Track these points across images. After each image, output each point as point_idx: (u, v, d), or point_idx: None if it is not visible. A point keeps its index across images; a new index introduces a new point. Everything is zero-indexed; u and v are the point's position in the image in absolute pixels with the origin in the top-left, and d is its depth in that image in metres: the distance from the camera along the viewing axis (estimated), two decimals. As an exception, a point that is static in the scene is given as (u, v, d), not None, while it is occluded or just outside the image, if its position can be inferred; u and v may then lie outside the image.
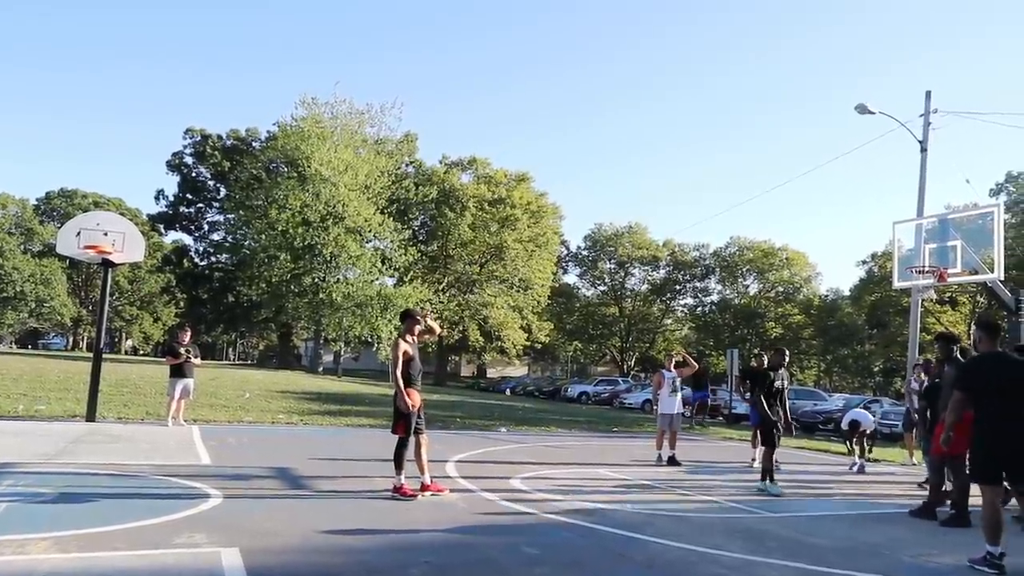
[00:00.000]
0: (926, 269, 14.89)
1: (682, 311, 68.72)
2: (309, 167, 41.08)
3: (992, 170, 79.45)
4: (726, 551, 5.99)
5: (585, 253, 67.86)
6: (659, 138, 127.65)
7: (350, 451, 11.02)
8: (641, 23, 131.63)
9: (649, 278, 66.91)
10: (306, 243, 41.74)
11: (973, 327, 6.77)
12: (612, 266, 67.00)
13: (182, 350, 12.88)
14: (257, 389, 22.35)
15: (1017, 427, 5.94)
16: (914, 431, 12.98)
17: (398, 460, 7.55)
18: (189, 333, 13.61)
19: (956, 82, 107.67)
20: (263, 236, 42.09)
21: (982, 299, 41.86)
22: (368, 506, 7.06)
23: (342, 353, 49.05)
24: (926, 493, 9.69)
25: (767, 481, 9.45)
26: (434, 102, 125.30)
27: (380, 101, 57.85)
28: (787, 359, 10.31)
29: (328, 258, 42.56)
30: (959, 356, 8.50)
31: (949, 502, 8.25)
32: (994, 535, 5.85)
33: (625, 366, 64.86)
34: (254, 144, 54.91)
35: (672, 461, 11.73)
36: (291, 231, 41.02)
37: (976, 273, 14.62)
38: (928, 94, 19.03)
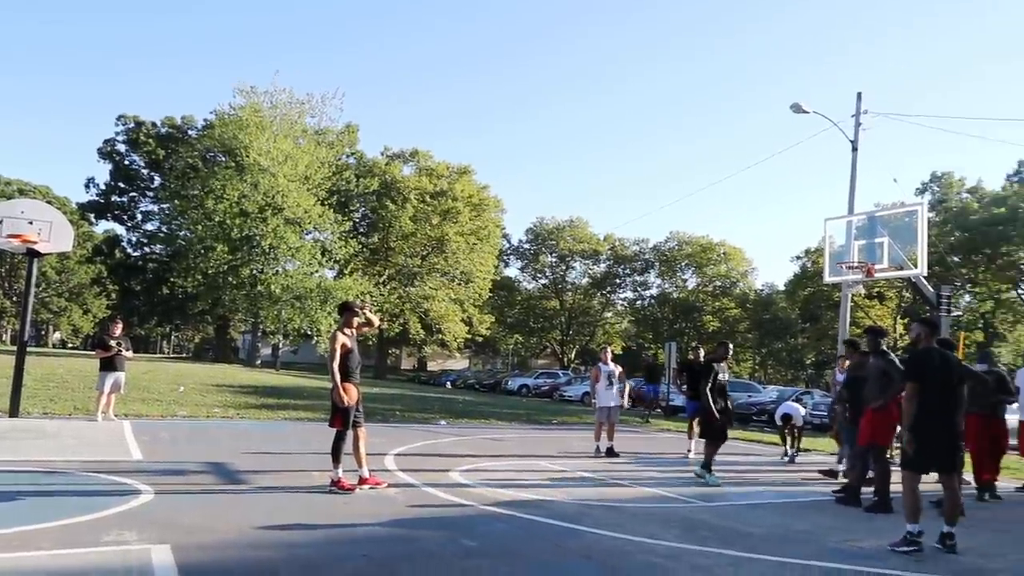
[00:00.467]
0: (855, 264, 15.41)
1: (622, 304, 69.56)
2: (247, 157, 40.26)
3: (919, 170, 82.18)
4: (661, 540, 6.11)
5: (527, 247, 68.09)
6: (600, 134, 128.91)
7: (288, 445, 10.89)
8: (583, 19, 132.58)
9: (590, 272, 67.51)
10: (244, 234, 40.92)
11: (914, 323, 7.05)
12: (553, 260, 67.38)
13: (113, 343, 12.54)
14: (192, 383, 21.86)
15: (950, 420, 6.28)
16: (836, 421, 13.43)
17: (336, 454, 7.49)
18: (121, 325, 13.25)
19: (887, 84, 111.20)
20: (199, 227, 41.08)
21: (908, 294, 43.34)
22: (305, 500, 6.99)
23: (281, 346, 48.26)
24: (835, 481, 10.06)
25: (708, 472, 9.63)
26: (376, 94, 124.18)
27: (321, 91, 56.69)
28: (730, 352, 10.48)
29: (267, 250, 41.79)
30: (884, 349, 8.80)
31: (872, 488, 8.55)
32: (914, 516, 6.19)
33: (565, 359, 65.36)
34: (190, 132, 53.47)
35: (610, 452, 11.87)
36: (228, 222, 40.15)
37: (901, 269, 15.18)
38: (859, 95, 19.60)
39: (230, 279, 42.18)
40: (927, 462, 6.32)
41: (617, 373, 12.39)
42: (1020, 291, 47.01)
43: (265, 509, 6.46)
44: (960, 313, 44.07)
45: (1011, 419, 10.44)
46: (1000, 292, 46.51)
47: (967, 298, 46.90)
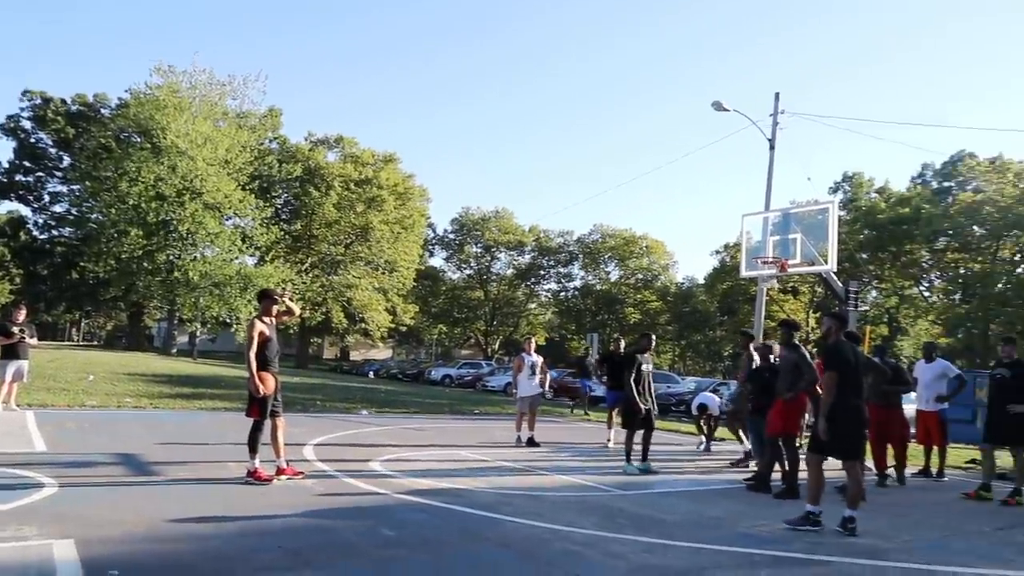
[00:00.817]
0: (770, 259, 15.90)
1: (546, 296, 70.19)
2: (165, 138, 38.92)
3: (834, 169, 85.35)
4: (579, 528, 6.21)
5: (452, 237, 67.97)
6: (526, 125, 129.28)
7: (203, 435, 10.62)
8: (508, 9, 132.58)
9: (514, 263, 67.85)
10: (160, 218, 39.59)
11: (825, 318, 7.44)
12: (478, 250, 67.45)
13: (16, 329, 11.98)
14: (103, 371, 21.08)
15: (859, 409, 6.76)
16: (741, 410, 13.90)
17: (252, 444, 7.35)
18: (24, 311, 12.65)
19: (808, 83, 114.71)
20: (112, 210, 39.50)
21: (819, 289, 44.98)
22: (220, 492, 6.85)
23: (198, 334, 46.97)
24: (747, 469, 10.41)
25: (628, 462, 9.76)
26: (301, 79, 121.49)
27: (243, 73, 55.17)
28: (652, 344, 10.63)
29: (184, 235, 40.54)
30: (796, 342, 9.12)
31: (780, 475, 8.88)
32: (816, 497, 6.62)
33: (489, 349, 65.59)
34: (103, 111, 51.32)
35: (531, 443, 11.93)
36: (144, 205, 38.75)
37: (813, 264, 15.74)
38: (777, 96, 20.22)
39: (145, 264, 40.84)
40: (836, 447, 6.70)
41: (540, 364, 12.42)
42: (922, 287, 49.44)
43: (177, 501, 6.30)
44: (867, 308, 46.12)
45: (909, 408, 10.93)
46: (904, 288, 48.85)
47: (874, 294, 49.13)
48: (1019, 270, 43.10)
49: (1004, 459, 10.76)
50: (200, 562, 4.67)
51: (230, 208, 42.21)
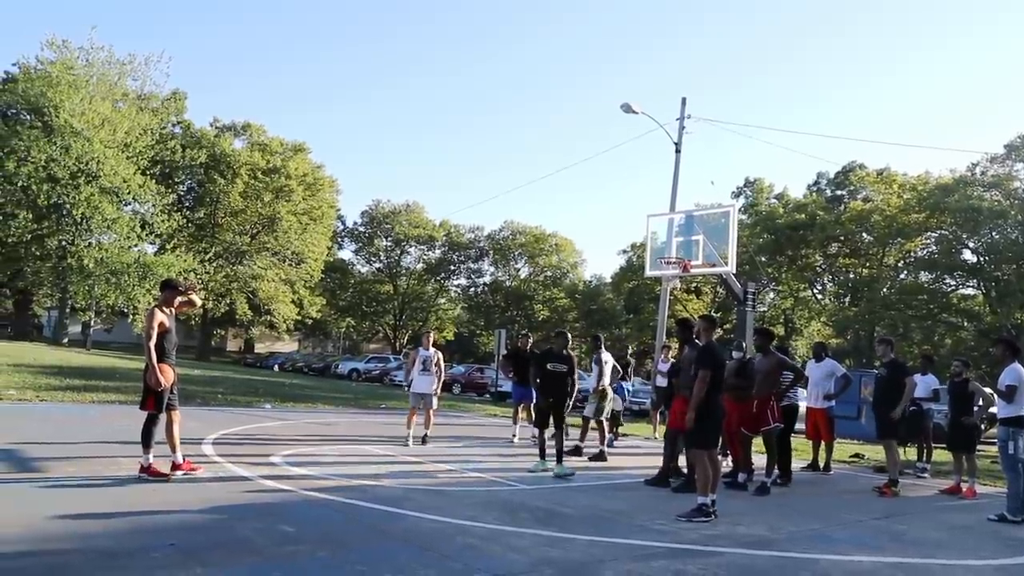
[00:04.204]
0: (674, 260, 16.35)
1: (456, 291, 70.10)
2: (57, 117, 36.91)
3: (738, 174, 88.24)
4: (480, 522, 6.27)
5: (361, 229, 67.10)
6: (439, 118, 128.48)
7: (94, 430, 10.20)
8: (420, 1, 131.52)
9: (425, 257, 67.50)
10: (52, 202, 37.52)
11: (698, 319, 7.90)
12: (388, 244, 66.80)
13: None
14: (-17, 362, 19.94)
15: (720, 405, 7.46)
16: (659, 408, 14.28)
17: (146, 438, 7.11)
18: None
19: (715, 92, 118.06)
20: (-2, 190, 37.33)
21: (721, 290, 46.53)
22: (111, 489, 6.60)
23: (93, 324, 44.88)
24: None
25: (542, 460, 9.72)
26: (209, 65, 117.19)
27: (145, 52, 52.90)
28: (568, 341, 10.17)
29: (79, 220, 38.61)
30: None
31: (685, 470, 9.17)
32: (709, 488, 7.05)
33: (398, 344, 65.09)
34: (-12, 85, 48.38)
35: (423, 442, 11.41)
36: (34, 188, 36.65)
37: (714, 266, 16.28)
38: (683, 100, 20.76)
39: (34, 250, 38.80)
40: (714, 439, 7.37)
41: (435, 359, 11.79)
42: (815, 290, 51.86)
43: (64, 499, 6.04)
44: (765, 309, 48.09)
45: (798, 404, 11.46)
46: (799, 291, 51.15)
47: (771, 295, 51.24)
48: (902, 276, 45.79)
49: (877, 452, 11.45)
50: (86, 563, 4.49)
51: (129, 193, 40.43)
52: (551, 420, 9.68)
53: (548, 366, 9.67)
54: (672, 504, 7.74)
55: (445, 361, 13.20)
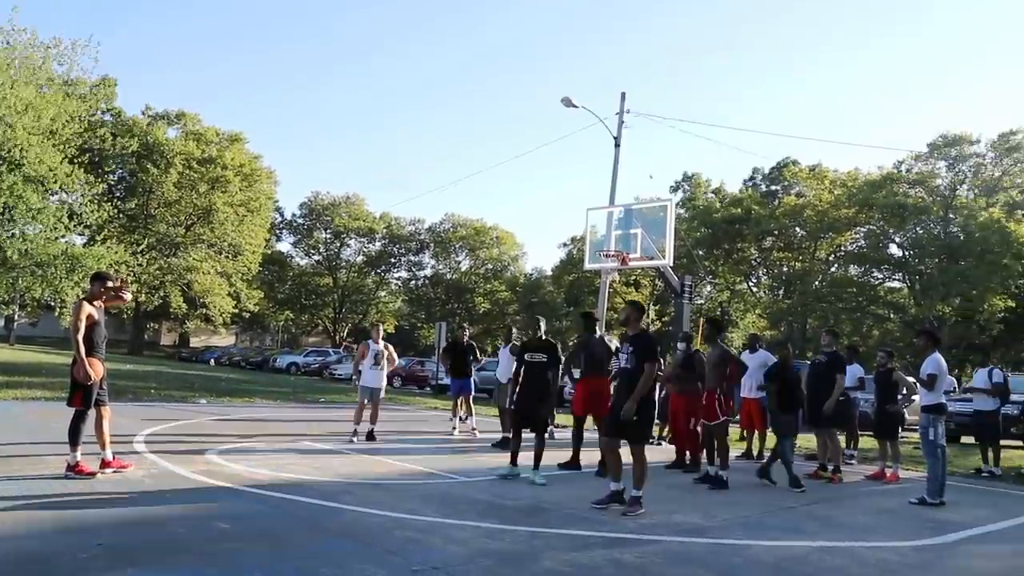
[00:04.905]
0: (613, 253, 16.53)
1: (396, 284, 69.67)
2: (-24, 102, 35.49)
3: (676, 168, 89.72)
4: (420, 515, 6.26)
5: (300, 221, 66.18)
6: (378, 109, 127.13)
7: (18, 427, 9.85)
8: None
9: (365, 250, 66.93)
10: (-29, 191, 36.11)
11: (627, 305, 7.72)
12: (328, 236, 66.04)
13: None
14: (-102, 358, 19.07)
15: (654, 398, 7.65)
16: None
17: (74, 435, 6.89)
18: None
19: (654, 87, 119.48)
20: (-90, 179, 35.63)
21: (659, 283, 47.26)
22: (36, 487, 6.37)
23: (17, 318, 43.30)
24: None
25: (513, 465, 8.78)
26: (140, 49, 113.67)
27: (72, 37, 51.09)
28: (543, 327, 9.49)
29: (1, 210, 37.18)
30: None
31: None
32: (643, 481, 7.07)
33: (337, 337, 64.42)
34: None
35: (370, 436, 11.24)
36: (-48, 176, 35.22)
37: (652, 259, 16.51)
38: (623, 95, 20.87)
39: (-48, 241, 37.12)
40: (649, 432, 7.57)
41: (385, 353, 11.75)
42: (751, 283, 53.08)
43: (-15, 498, 5.82)
44: (702, 301, 49.02)
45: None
46: (735, 284, 52.29)
47: (708, 288, 52.28)
48: (832, 269, 47.20)
49: (808, 440, 11.80)
50: (9, 567, 4.33)
51: (55, 182, 38.87)
52: (532, 421, 8.62)
53: (526, 356, 8.71)
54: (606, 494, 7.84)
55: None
